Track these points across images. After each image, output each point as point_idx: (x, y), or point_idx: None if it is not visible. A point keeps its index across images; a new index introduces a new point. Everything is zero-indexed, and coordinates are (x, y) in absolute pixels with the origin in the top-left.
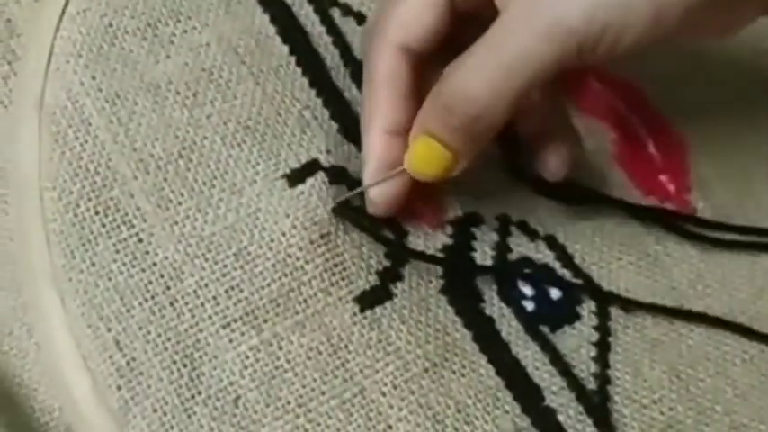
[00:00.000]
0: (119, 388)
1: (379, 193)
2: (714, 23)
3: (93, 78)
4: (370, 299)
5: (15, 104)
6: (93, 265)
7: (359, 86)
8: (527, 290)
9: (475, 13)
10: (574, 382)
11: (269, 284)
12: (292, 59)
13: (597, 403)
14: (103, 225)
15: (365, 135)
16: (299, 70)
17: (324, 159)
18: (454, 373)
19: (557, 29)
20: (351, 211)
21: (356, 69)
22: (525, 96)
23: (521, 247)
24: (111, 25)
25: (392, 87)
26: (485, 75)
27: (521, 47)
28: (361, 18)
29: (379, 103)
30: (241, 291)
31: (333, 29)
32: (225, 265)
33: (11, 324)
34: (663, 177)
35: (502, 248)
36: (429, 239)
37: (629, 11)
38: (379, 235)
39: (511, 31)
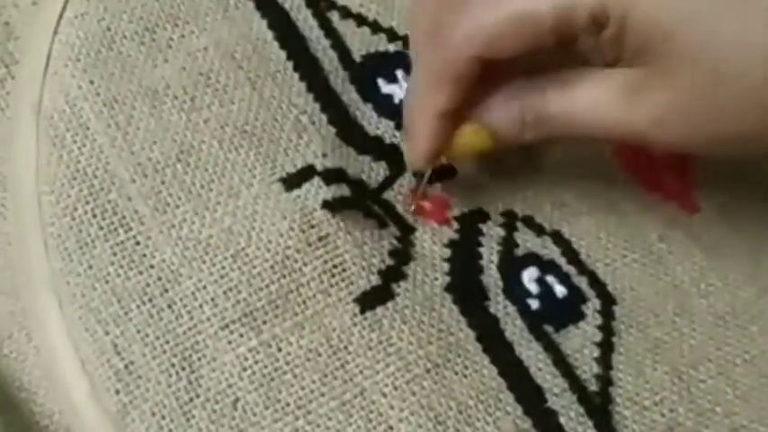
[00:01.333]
0: (117, 392)
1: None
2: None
3: (92, 82)
4: (371, 299)
5: (13, 108)
6: (91, 268)
7: (357, 90)
8: (532, 287)
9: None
10: (576, 384)
11: (267, 286)
12: (289, 65)
13: (598, 405)
14: (101, 228)
15: (418, 117)
16: (296, 75)
17: (319, 164)
18: (456, 374)
19: (640, 141)
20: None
21: (354, 73)
22: None
23: (527, 242)
24: (109, 29)
25: (457, 87)
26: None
27: (603, 130)
28: (360, 20)
29: (439, 95)
30: (239, 292)
31: (331, 32)
32: (223, 267)
33: (10, 328)
34: (667, 175)
35: (508, 244)
36: (435, 235)
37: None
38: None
39: (602, 110)
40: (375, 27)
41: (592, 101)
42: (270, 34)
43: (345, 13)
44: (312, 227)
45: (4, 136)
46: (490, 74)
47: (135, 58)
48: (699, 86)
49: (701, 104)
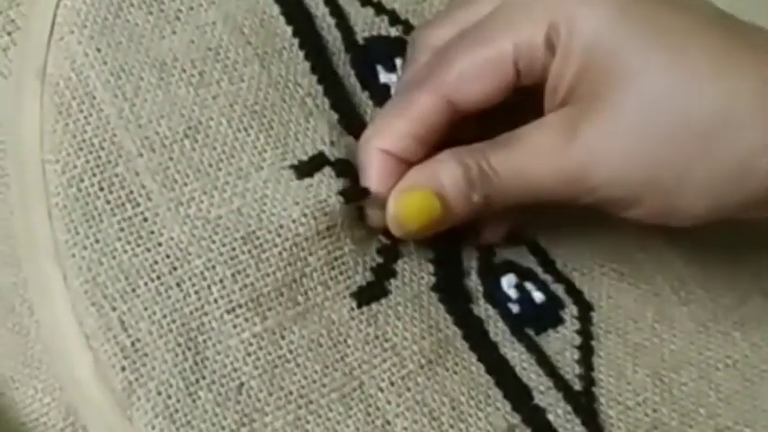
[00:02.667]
0: (123, 369)
1: (374, 216)
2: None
3: (98, 50)
4: (367, 295)
5: (16, 75)
6: (98, 242)
7: (357, 74)
8: (512, 293)
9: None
10: (560, 383)
11: (275, 272)
12: (296, 41)
13: (584, 404)
14: (108, 202)
15: (368, 150)
16: (301, 54)
17: (328, 152)
18: (448, 370)
19: (577, 182)
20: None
21: (356, 55)
22: None
23: (504, 250)
24: None
25: (418, 129)
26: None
27: (543, 182)
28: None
29: (397, 133)
30: (247, 276)
31: (336, 10)
32: (233, 248)
33: (12, 300)
34: None
35: (486, 251)
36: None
37: (644, 197)
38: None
39: (538, 159)
40: (379, 8)
41: (532, 147)
42: (276, 8)
43: None
44: (324, 214)
45: (7, 103)
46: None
47: (142, 28)
48: (634, 114)
49: (636, 133)
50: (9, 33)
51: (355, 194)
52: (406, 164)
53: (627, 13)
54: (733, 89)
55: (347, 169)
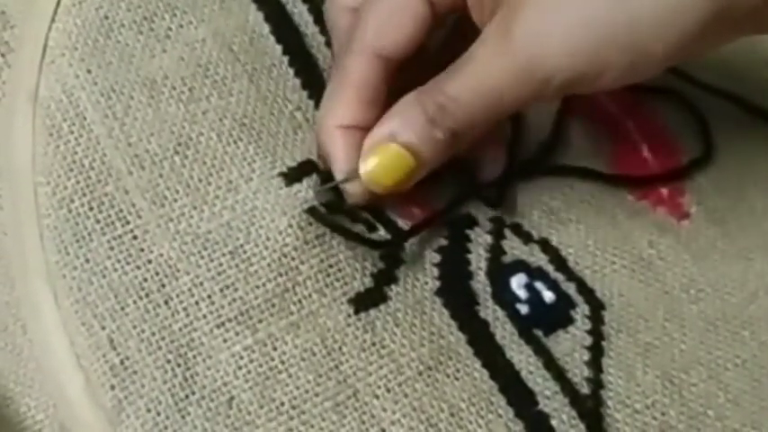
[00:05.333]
0: (112, 387)
1: (353, 191)
2: (697, 54)
3: (89, 72)
4: (365, 301)
5: (9, 97)
6: (88, 261)
7: None
8: (521, 293)
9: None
10: (567, 387)
11: (264, 284)
12: (285, 59)
13: (590, 408)
14: (98, 221)
15: (326, 131)
16: (291, 71)
17: (317, 161)
18: (448, 376)
19: (530, 75)
20: (329, 217)
21: None
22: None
23: (515, 249)
24: (106, 18)
25: (361, 93)
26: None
27: (501, 90)
28: None
29: (344, 104)
30: (236, 290)
31: (326, 29)
32: (220, 264)
33: (5, 320)
34: (656, 181)
35: (496, 251)
36: (425, 240)
37: (605, 62)
38: (366, 239)
39: (488, 67)
40: None
41: (478, 63)
42: (266, 27)
43: None
44: (310, 224)
45: (1, 125)
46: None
47: (133, 48)
48: None
49: (572, 10)
50: (3, 55)
51: (325, 181)
52: (366, 131)
53: None
54: None
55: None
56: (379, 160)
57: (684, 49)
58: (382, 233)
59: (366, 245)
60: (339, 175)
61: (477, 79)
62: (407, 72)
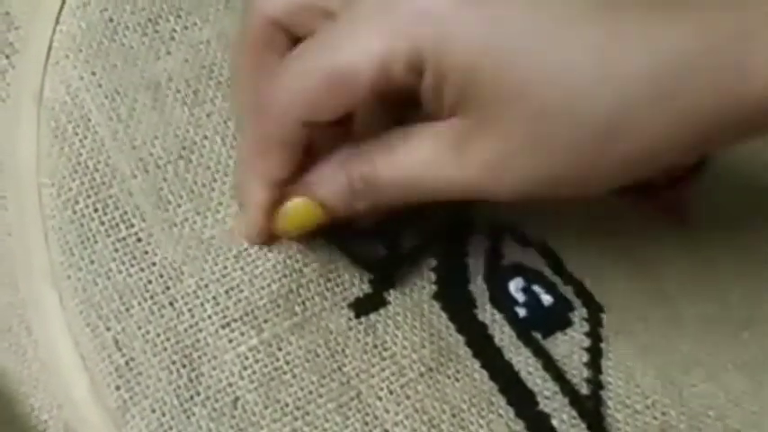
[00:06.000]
0: (117, 388)
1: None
2: None
3: (94, 74)
4: (365, 306)
5: (14, 98)
6: (93, 263)
7: None
8: (519, 296)
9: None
10: (567, 387)
11: (269, 285)
12: None
13: (590, 408)
14: (102, 223)
15: (248, 187)
16: None
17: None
18: (449, 377)
19: (476, 191)
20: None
21: None
22: None
23: (513, 253)
24: (111, 20)
25: (284, 154)
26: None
27: (436, 192)
28: None
29: (268, 162)
30: (241, 291)
31: None
32: (225, 267)
33: (10, 321)
34: (656, 185)
35: (494, 255)
36: (422, 244)
37: (549, 193)
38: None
39: (431, 167)
40: None
41: (420, 160)
42: None
43: None
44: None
45: (5, 126)
46: (322, 140)
47: (137, 50)
48: (527, 126)
49: (532, 145)
50: (7, 57)
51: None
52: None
53: (500, 22)
54: (624, 84)
55: None
56: (292, 211)
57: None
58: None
59: (359, 265)
60: (248, 227)
61: (414, 172)
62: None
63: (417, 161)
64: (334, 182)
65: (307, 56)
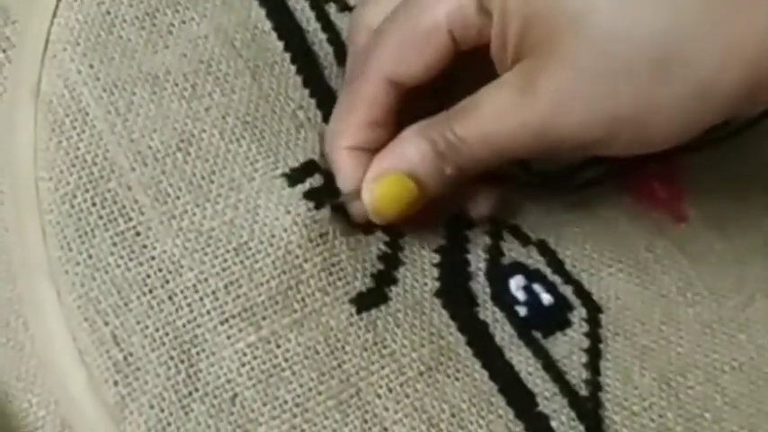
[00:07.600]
0: (115, 383)
1: (356, 211)
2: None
3: (91, 67)
4: (366, 301)
5: (10, 92)
6: (91, 257)
7: None
8: (520, 294)
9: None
10: (566, 388)
11: (268, 281)
12: (287, 56)
13: (589, 410)
14: (101, 217)
15: (334, 150)
16: (293, 68)
17: (319, 161)
18: (449, 377)
19: (544, 134)
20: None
21: None
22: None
23: (513, 251)
24: (108, 13)
25: (371, 114)
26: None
27: (512, 142)
28: None
29: (354, 126)
30: (240, 286)
31: (328, 26)
32: (225, 260)
33: (7, 316)
34: (655, 183)
35: (494, 252)
36: (424, 240)
37: (616, 136)
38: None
39: (503, 117)
40: None
41: (493, 112)
42: (268, 24)
43: (342, 5)
44: (315, 221)
45: (1, 120)
46: (407, 114)
47: (135, 43)
48: (587, 57)
49: (593, 76)
50: (4, 50)
51: (327, 197)
52: (374, 152)
53: None
54: (679, 8)
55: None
56: (384, 188)
57: (696, 131)
58: (381, 234)
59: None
60: (343, 187)
61: (489, 125)
62: (416, 95)
63: (490, 114)
64: (417, 147)
65: (395, 17)
